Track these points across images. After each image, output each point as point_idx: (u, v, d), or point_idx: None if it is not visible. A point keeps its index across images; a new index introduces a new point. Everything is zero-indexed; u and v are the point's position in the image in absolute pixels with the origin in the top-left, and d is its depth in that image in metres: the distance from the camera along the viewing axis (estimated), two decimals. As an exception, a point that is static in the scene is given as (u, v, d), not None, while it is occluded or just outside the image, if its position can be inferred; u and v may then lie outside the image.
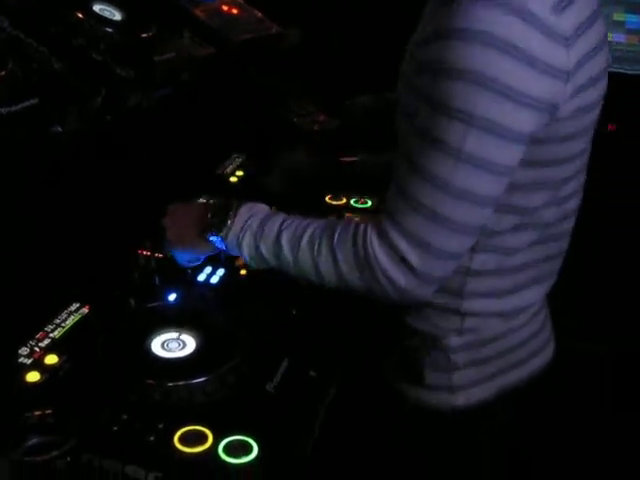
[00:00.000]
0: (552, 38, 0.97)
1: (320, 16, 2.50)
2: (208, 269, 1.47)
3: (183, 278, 1.44)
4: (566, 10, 0.99)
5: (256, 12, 2.05)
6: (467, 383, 1.29)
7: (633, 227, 2.59)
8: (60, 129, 1.24)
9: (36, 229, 1.40)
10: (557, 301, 1.44)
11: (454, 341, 1.26)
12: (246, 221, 1.16)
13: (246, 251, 1.17)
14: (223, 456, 1.02)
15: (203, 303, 1.37)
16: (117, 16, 1.51)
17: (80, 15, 1.43)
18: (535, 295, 1.31)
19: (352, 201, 1.83)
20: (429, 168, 1.00)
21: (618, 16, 2.65)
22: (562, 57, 0.99)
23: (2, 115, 1.12)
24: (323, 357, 1.28)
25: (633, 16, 2.67)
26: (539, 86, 0.98)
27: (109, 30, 1.45)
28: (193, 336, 1.24)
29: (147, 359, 1.19)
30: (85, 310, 1.32)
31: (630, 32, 2.69)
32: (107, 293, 1.37)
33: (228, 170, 1.94)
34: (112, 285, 1.40)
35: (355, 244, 1.05)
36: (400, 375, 1.34)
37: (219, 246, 1.21)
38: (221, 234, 1.18)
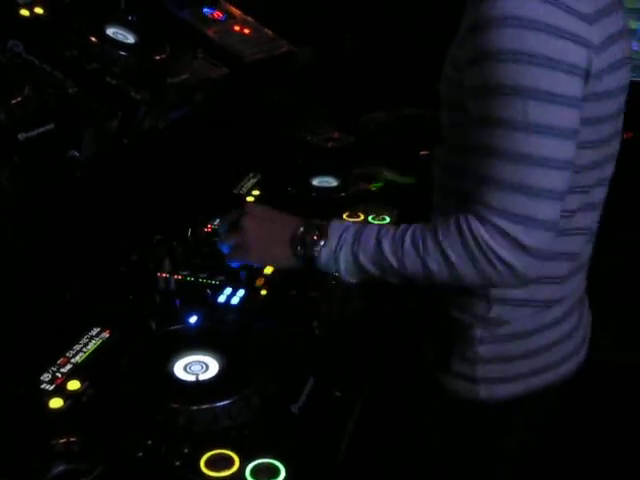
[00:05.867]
0: (574, 14, 1.05)
1: (332, 30, 2.51)
2: (228, 290, 1.46)
3: (203, 300, 1.42)
4: None
5: (267, 31, 2.06)
6: (490, 377, 1.31)
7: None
8: (77, 154, 1.24)
9: (55, 255, 1.40)
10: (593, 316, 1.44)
11: (480, 332, 1.29)
12: (340, 236, 1.18)
13: (343, 265, 1.18)
14: (251, 480, 1.00)
15: (224, 325, 1.35)
16: (130, 39, 1.52)
17: (94, 39, 1.43)
18: (570, 285, 1.32)
19: (370, 218, 1.82)
20: (504, 147, 1.06)
21: (632, 24, 2.63)
22: (586, 30, 1.06)
23: (19, 141, 1.12)
24: (347, 375, 1.26)
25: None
26: (573, 54, 1.05)
27: (123, 53, 1.45)
28: (216, 358, 1.23)
29: (170, 383, 1.17)
30: (106, 334, 1.31)
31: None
32: (127, 317, 1.36)
33: (244, 189, 1.94)
34: (132, 309, 1.39)
35: (463, 236, 1.08)
36: (434, 362, 1.38)
37: (301, 262, 1.22)
38: (314, 252, 1.19)
